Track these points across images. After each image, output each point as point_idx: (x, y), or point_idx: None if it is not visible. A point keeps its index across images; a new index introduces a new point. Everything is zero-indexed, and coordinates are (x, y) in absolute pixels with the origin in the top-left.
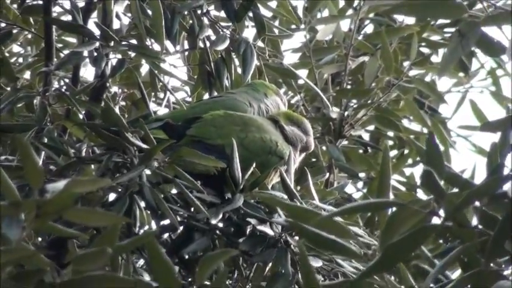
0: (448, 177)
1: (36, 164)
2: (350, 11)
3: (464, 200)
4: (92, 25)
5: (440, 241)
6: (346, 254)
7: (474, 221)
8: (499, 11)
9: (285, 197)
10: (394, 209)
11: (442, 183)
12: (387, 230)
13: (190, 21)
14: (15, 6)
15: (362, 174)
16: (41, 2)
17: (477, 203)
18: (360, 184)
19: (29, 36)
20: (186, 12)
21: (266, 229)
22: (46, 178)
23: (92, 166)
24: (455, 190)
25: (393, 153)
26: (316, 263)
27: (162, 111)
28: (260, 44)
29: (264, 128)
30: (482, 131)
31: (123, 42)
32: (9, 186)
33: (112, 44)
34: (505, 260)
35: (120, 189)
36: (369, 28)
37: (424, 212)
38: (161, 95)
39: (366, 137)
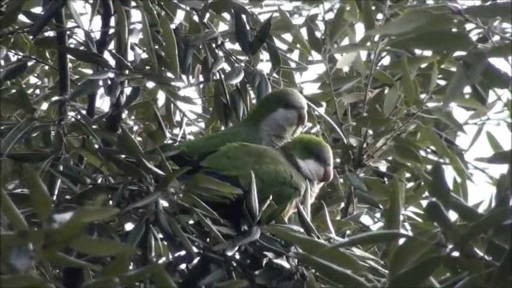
0: (455, 208)
1: (44, 193)
2: (369, 43)
3: (471, 231)
4: (106, 56)
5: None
6: (355, 287)
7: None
8: (506, 42)
9: (301, 230)
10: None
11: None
12: (395, 261)
13: (205, 54)
14: (30, 38)
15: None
16: (55, 34)
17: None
18: (378, 214)
19: (46, 68)
20: (200, 45)
21: (282, 262)
22: (62, 206)
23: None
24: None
25: (411, 184)
26: None
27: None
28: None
29: (277, 159)
30: (491, 163)
31: (137, 71)
32: (17, 215)
33: (127, 72)
34: None
35: (135, 217)
36: (386, 60)
37: (431, 243)
38: (176, 131)
39: (384, 167)
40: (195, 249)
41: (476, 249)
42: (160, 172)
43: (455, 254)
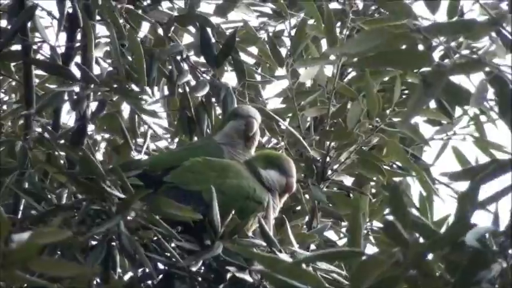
0: (414, 226)
1: (1, 214)
2: (332, 56)
3: (427, 248)
4: (73, 70)
5: None
6: None
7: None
8: (466, 60)
9: (264, 244)
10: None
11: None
12: (354, 280)
13: (170, 67)
14: None
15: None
16: (20, 48)
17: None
18: (343, 229)
19: (13, 83)
20: (165, 58)
21: (245, 276)
22: (26, 225)
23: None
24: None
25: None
26: None
27: (142, 158)
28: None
29: (241, 174)
30: (452, 180)
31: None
32: None
33: (92, 86)
34: None
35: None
36: (351, 74)
37: (389, 261)
38: (141, 143)
39: (349, 181)
40: (160, 265)
41: (435, 268)
42: (121, 195)
43: (413, 272)
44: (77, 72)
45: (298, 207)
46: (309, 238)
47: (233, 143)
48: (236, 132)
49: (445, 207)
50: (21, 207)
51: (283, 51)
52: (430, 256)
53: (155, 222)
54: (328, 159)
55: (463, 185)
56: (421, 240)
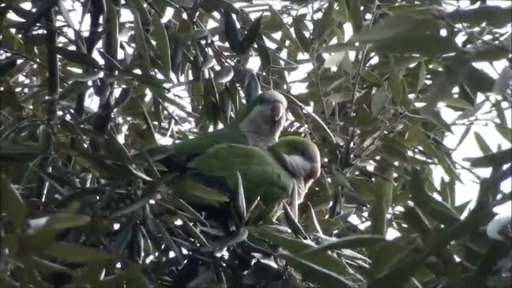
0: (433, 213)
1: (17, 200)
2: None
3: (447, 237)
4: (96, 55)
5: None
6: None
7: None
8: (489, 47)
9: (289, 230)
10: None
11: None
12: (374, 266)
13: (194, 52)
14: (19, 35)
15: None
16: (45, 32)
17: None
18: (365, 213)
19: (35, 66)
20: (190, 43)
21: (270, 262)
22: (50, 209)
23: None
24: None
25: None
26: None
27: (166, 141)
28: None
29: (265, 160)
30: (474, 167)
31: (127, 72)
32: None
33: (116, 73)
34: None
35: (123, 220)
36: (374, 60)
37: (408, 248)
38: (165, 125)
39: (372, 167)
40: (184, 251)
41: (455, 254)
42: (147, 178)
43: (433, 259)
44: (100, 59)
45: (322, 193)
46: (333, 225)
47: (259, 129)
48: (262, 117)
49: (467, 192)
50: (45, 191)
51: (306, 35)
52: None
53: (180, 207)
54: (351, 145)
55: (485, 170)
56: (442, 226)
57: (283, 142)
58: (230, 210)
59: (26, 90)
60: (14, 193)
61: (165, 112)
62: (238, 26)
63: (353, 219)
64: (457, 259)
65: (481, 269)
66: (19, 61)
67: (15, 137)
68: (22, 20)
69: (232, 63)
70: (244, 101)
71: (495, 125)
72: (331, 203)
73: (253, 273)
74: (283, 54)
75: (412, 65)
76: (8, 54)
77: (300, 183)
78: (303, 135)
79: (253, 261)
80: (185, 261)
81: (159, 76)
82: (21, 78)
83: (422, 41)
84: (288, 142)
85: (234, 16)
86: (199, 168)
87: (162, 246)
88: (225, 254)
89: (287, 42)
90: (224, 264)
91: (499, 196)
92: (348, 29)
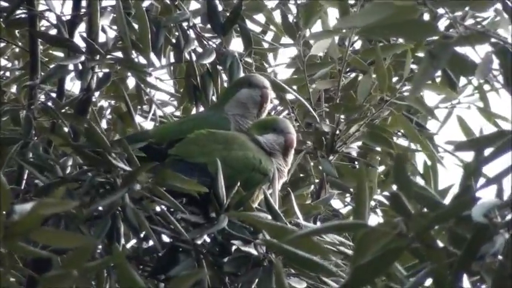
0: (418, 198)
1: (3, 184)
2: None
3: (431, 222)
4: (78, 38)
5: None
6: (322, 272)
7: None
8: (471, 32)
9: (269, 216)
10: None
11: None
12: (358, 251)
13: (176, 34)
14: (0, 19)
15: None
16: (26, 16)
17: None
18: (348, 199)
19: (17, 50)
20: (172, 26)
21: (250, 249)
22: (29, 197)
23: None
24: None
25: (382, 168)
26: (300, 284)
27: (148, 124)
28: (248, 60)
29: (246, 145)
30: (457, 151)
31: (109, 56)
32: None
33: (98, 57)
34: (475, 280)
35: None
36: (357, 44)
37: (392, 233)
38: (147, 108)
39: (355, 152)
40: (165, 238)
41: (438, 239)
42: (127, 168)
43: (417, 244)
44: (82, 43)
45: (306, 178)
46: (313, 209)
47: (245, 112)
48: (252, 102)
49: (450, 175)
50: (25, 177)
51: (290, 19)
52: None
53: (160, 195)
54: (337, 131)
55: (468, 154)
56: (425, 211)
57: (254, 125)
58: (210, 197)
59: (7, 74)
60: (0, 178)
61: (148, 95)
62: (220, 8)
63: (336, 203)
64: (441, 244)
65: (465, 254)
66: (1, 45)
67: None
68: (4, 4)
69: (214, 46)
70: (226, 84)
71: (478, 108)
72: (312, 187)
73: (233, 261)
74: (269, 37)
75: (398, 52)
76: None
77: (279, 160)
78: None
79: (234, 248)
80: (165, 249)
81: (141, 60)
82: (2, 62)
83: (405, 26)
84: (258, 123)
85: None
86: (180, 155)
87: (142, 234)
88: (207, 240)
89: (271, 27)
90: (205, 251)
91: (481, 180)
92: (332, 14)
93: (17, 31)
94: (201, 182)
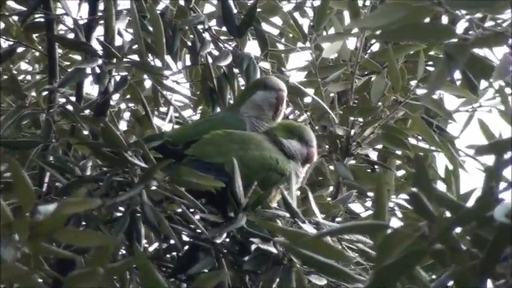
0: (438, 200)
1: (28, 186)
2: (356, 29)
3: (453, 223)
4: (95, 42)
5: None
6: (341, 277)
7: None
8: (489, 33)
9: (287, 215)
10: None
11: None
12: (380, 253)
13: (192, 37)
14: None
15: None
16: (43, 20)
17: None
18: (369, 203)
19: (37, 53)
20: (187, 28)
21: (270, 247)
22: (50, 198)
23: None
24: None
25: (401, 172)
26: (320, 281)
27: (167, 127)
28: (265, 64)
29: (263, 145)
30: (477, 155)
31: (125, 59)
32: (2, 207)
33: (114, 60)
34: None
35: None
36: (375, 46)
37: (414, 235)
38: (164, 109)
39: (374, 155)
40: (184, 238)
41: (461, 242)
42: (144, 165)
43: (439, 246)
44: (98, 46)
45: (323, 180)
46: (333, 208)
47: (261, 114)
48: (268, 104)
49: (472, 179)
50: (46, 180)
51: (306, 22)
52: (456, 230)
53: (179, 194)
54: (352, 133)
55: (490, 158)
56: (447, 214)
57: (280, 126)
58: (228, 196)
59: (28, 77)
60: (24, 178)
61: (166, 97)
62: (235, 10)
63: (357, 208)
64: (464, 247)
65: (488, 256)
66: (22, 48)
67: (17, 125)
68: (20, 7)
69: (230, 48)
70: (242, 85)
71: (499, 111)
72: (331, 188)
73: (253, 259)
74: (286, 40)
75: (411, 52)
76: (9, 43)
77: (298, 167)
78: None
79: (253, 246)
80: (185, 248)
81: (157, 63)
82: (24, 65)
83: (421, 28)
84: (285, 126)
85: (230, 0)
86: (197, 155)
87: (162, 235)
88: (226, 240)
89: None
90: (224, 250)
91: (502, 183)
92: (347, 16)
93: (35, 35)
94: (223, 182)
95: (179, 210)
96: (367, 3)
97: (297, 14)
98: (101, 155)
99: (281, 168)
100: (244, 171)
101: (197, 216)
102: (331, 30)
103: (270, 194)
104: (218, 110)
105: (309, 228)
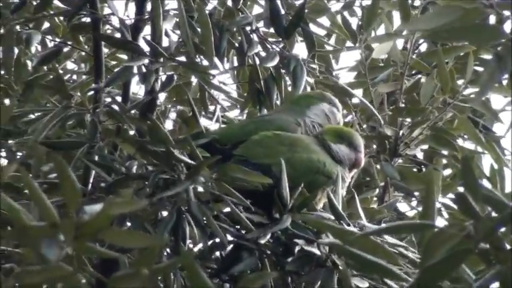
0: (485, 200)
1: (74, 185)
2: (405, 31)
3: (498, 223)
4: (142, 43)
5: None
6: (387, 276)
7: None
8: None
9: (332, 217)
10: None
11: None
12: (425, 253)
13: (239, 38)
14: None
15: (417, 193)
16: (89, 20)
17: None
18: (414, 203)
19: (83, 53)
20: (235, 30)
21: (313, 249)
22: (95, 196)
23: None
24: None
25: (448, 172)
26: (362, 284)
27: (214, 126)
28: (313, 66)
29: (311, 147)
30: None
31: (172, 59)
32: (47, 206)
33: (161, 60)
34: None
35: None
36: (423, 47)
37: (460, 235)
38: (211, 108)
39: (420, 155)
40: (228, 237)
41: (506, 241)
42: (191, 161)
43: (485, 245)
44: (145, 46)
45: (370, 181)
46: (377, 213)
47: (324, 123)
48: (332, 117)
49: None
50: (91, 180)
51: (355, 21)
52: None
53: (226, 191)
54: (400, 134)
55: None
56: (493, 213)
57: (330, 131)
58: (274, 197)
59: (74, 77)
60: (71, 177)
61: (213, 96)
62: (282, 11)
63: (402, 207)
64: (508, 246)
65: None
66: (66, 49)
67: (62, 125)
68: (66, 8)
69: (278, 49)
70: (289, 88)
71: None
72: (377, 191)
73: (296, 260)
74: (332, 40)
75: (461, 54)
76: (54, 43)
77: (345, 171)
78: (350, 125)
79: (297, 248)
80: (229, 247)
81: (205, 63)
82: (70, 65)
83: (471, 30)
84: (334, 131)
85: (278, 1)
86: (245, 155)
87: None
88: (270, 240)
89: (335, 29)
90: (268, 251)
91: None
92: (397, 17)
93: (81, 35)
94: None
95: (225, 209)
96: (417, 3)
97: (345, 14)
98: (147, 152)
99: (328, 171)
100: (291, 173)
101: (242, 215)
102: (380, 30)
103: (316, 196)
104: (265, 111)
105: (355, 230)
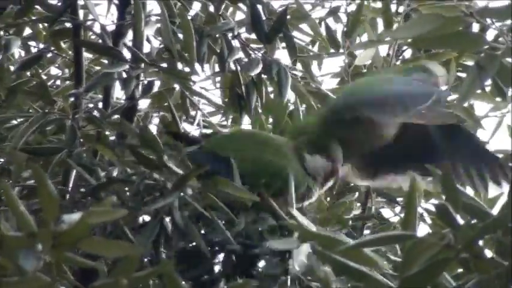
0: (465, 209)
1: (52, 193)
2: (388, 37)
3: (479, 232)
4: (122, 47)
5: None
6: (374, 286)
7: None
8: None
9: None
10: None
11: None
12: (405, 262)
13: (221, 45)
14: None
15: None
16: (70, 26)
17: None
18: (397, 209)
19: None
20: (217, 36)
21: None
22: (77, 198)
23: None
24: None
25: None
26: None
27: (196, 132)
28: (295, 72)
29: (282, 151)
30: (505, 162)
31: (153, 64)
32: (24, 216)
33: (142, 65)
34: None
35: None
36: (407, 53)
37: (440, 244)
38: (193, 113)
39: None
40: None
41: (486, 250)
42: (180, 171)
43: (465, 254)
44: (126, 52)
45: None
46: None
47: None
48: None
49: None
50: (71, 185)
51: (340, 27)
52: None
53: (212, 203)
54: None
55: None
56: (474, 221)
57: (307, 140)
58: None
59: (58, 82)
60: (48, 185)
61: (193, 102)
62: (264, 17)
63: (386, 213)
64: (489, 255)
65: None
66: (49, 54)
67: (42, 131)
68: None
69: (260, 55)
70: (271, 92)
71: None
72: (357, 194)
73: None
74: (316, 47)
75: (443, 60)
76: (39, 48)
77: (315, 182)
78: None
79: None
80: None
81: (187, 69)
82: (54, 71)
83: (453, 38)
84: (312, 140)
85: (259, 7)
86: (213, 147)
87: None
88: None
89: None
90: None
91: None
92: (381, 24)
93: (64, 41)
94: (223, 175)
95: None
96: (401, 10)
97: (330, 20)
98: (135, 154)
99: (288, 177)
100: (253, 171)
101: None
102: (364, 37)
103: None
104: (245, 117)
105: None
